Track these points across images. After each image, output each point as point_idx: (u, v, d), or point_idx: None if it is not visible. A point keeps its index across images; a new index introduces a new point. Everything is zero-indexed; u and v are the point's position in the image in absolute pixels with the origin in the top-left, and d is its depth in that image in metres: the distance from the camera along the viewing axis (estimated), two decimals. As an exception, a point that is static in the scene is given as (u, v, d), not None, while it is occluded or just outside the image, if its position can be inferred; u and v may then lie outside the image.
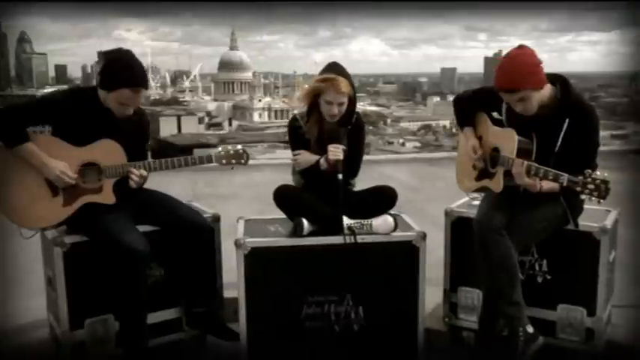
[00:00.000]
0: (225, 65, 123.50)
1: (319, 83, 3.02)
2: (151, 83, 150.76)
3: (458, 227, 3.22)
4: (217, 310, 3.19)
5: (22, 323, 3.61)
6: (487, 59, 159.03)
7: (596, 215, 3.02)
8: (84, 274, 2.90)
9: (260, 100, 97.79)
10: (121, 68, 2.82)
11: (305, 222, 2.95)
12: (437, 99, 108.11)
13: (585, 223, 2.92)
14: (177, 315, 3.18)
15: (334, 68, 3.08)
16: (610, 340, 3.05)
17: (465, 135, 3.12)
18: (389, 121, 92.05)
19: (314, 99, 3.07)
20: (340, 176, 2.97)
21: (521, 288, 2.80)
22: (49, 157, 2.81)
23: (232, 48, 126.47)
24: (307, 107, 3.11)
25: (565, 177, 2.58)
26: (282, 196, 3.07)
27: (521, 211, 2.84)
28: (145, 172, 2.91)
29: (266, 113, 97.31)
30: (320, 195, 3.06)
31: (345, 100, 3.03)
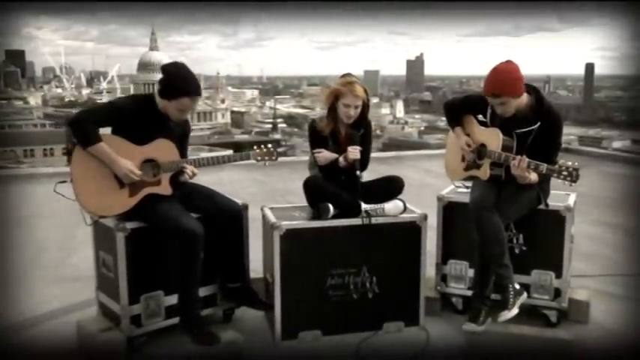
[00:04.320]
0: (145, 66, 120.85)
1: (340, 86, 3.60)
2: (65, 84, 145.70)
3: (448, 210, 3.90)
4: (250, 284, 3.70)
5: (57, 308, 4.01)
6: (409, 62, 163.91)
7: (559, 197, 3.75)
8: (140, 256, 3.35)
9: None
10: (181, 80, 3.30)
11: (330, 207, 3.52)
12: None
13: (553, 203, 3.64)
14: (212, 292, 3.66)
15: (350, 77, 3.66)
16: (571, 298, 3.79)
17: (456, 133, 3.78)
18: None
19: (334, 101, 3.63)
20: (358, 172, 3.58)
21: (508, 254, 3.48)
22: (117, 155, 3.24)
23: (152, 48, 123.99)
24: (327, 108, 3.67)
25: (544, 166, 3.28)
26: (312, 186, 3.62)
27: (505, 194, 3.52)
28: (195, 169, 3.39)
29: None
30: (337, 185, 3.64)
31: (360, 104, 3.62)
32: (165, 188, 3.35)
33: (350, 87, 3.58)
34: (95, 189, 3.25)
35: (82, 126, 3.19)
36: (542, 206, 3.61)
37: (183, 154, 3.48)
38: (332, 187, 3.60)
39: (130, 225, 3.30)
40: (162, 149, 3.35)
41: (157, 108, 3.36)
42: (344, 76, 3.69)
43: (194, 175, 3.41)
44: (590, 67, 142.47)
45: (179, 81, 3.30)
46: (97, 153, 3.21)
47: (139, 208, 3.30)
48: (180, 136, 3.49)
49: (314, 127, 3.74)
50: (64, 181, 3.28)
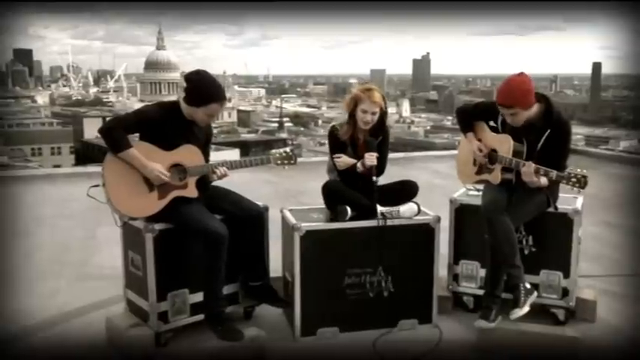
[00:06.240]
0: (152, 65, 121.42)
1: (359, 92, 3.78)
2: (73, 83, 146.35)
3: (460, 212, 4.05)
4: (270, 283, 3.86)
5: (84, 305, 4.19)
6: (415, 61, 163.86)
7: (568, 201, 3.90)
8: (168, 256, 3.52)
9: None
10: (208, 87, 3.49)
11: (348, 209, 3.68)
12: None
13: (562, 206, 3.79)
14: (234, 290, 3.83)
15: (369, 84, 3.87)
16: (578, 297, 3.94)
17: (468, 139, 3.93)
18: (320, 122, 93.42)
19: (354, 107, 3.81)
20: (374, 178, 3.75)
21: (519, 255, 3.63)
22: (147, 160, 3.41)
23: (159, 47, 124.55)
24: (348, 114, 3.85)
25: (554, 173, 3.43)
26: (331, 189, 3.80)
27: (516, 198, 3.67)
28: (228, 171, 3.57)
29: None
30: (354, 189, 3.80)
31: (378, 110, 3.79)
32: (191, 191, 3.52)
33: (368, 93, 3.76)
34: (127, 193, 3.42)
35: (113, 133, 3.37)
36: (551, 209, 3.75)
37: (206, 158, 3.65)
38: (350, 190, 3.77)
39: (158, 226, 3.47)
40: (189, 154, 3.52)
41: (183, 115, 3.52)
42: (363, 83, 3.89)
43: (224, 176, 3.57)
44: (597, 66, 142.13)
45: (206, 88, 3.48)
46: (128, 158, 3.38)
47: (167, 210, 3.47)
48: (204, 141, 3.65)
49: (334, 133, 3.91)
50: (97, 185, 3.46)
